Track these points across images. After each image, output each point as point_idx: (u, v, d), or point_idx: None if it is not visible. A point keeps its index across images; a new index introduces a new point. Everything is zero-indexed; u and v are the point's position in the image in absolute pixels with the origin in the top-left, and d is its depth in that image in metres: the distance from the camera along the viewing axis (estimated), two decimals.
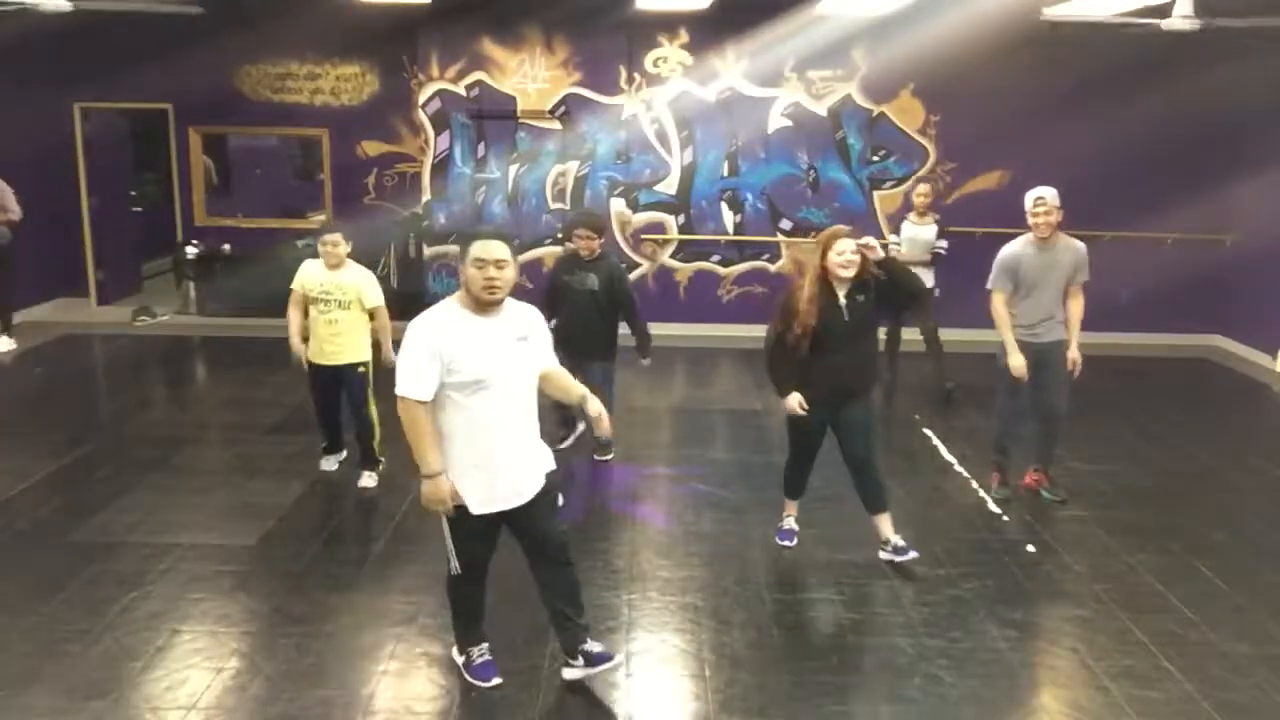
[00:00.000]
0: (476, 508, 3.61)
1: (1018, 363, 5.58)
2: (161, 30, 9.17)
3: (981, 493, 6.06)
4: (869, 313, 4.76)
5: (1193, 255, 10.01)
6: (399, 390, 3.47)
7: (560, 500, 3.86)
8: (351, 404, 6.00)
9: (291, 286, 5.92)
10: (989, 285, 5.70)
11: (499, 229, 3.71)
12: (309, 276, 5.84)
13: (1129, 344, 9.85)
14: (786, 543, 5.25)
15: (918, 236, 7.99)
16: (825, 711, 3.88)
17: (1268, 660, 4.25)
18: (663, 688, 4.03)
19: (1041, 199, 5.51)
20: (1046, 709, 3.91)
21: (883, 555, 5.02)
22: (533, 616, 4.20)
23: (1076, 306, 5.71)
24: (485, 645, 4.01)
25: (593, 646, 3.92)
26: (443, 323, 3.47)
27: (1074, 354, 5.69)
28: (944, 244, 7.93)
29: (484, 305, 3.46)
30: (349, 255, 5.80)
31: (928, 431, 7.29)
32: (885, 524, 5.04)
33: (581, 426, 6.66)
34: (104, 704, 3.77)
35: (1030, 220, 5.56)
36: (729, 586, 4.83)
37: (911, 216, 8.10)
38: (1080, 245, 5.64)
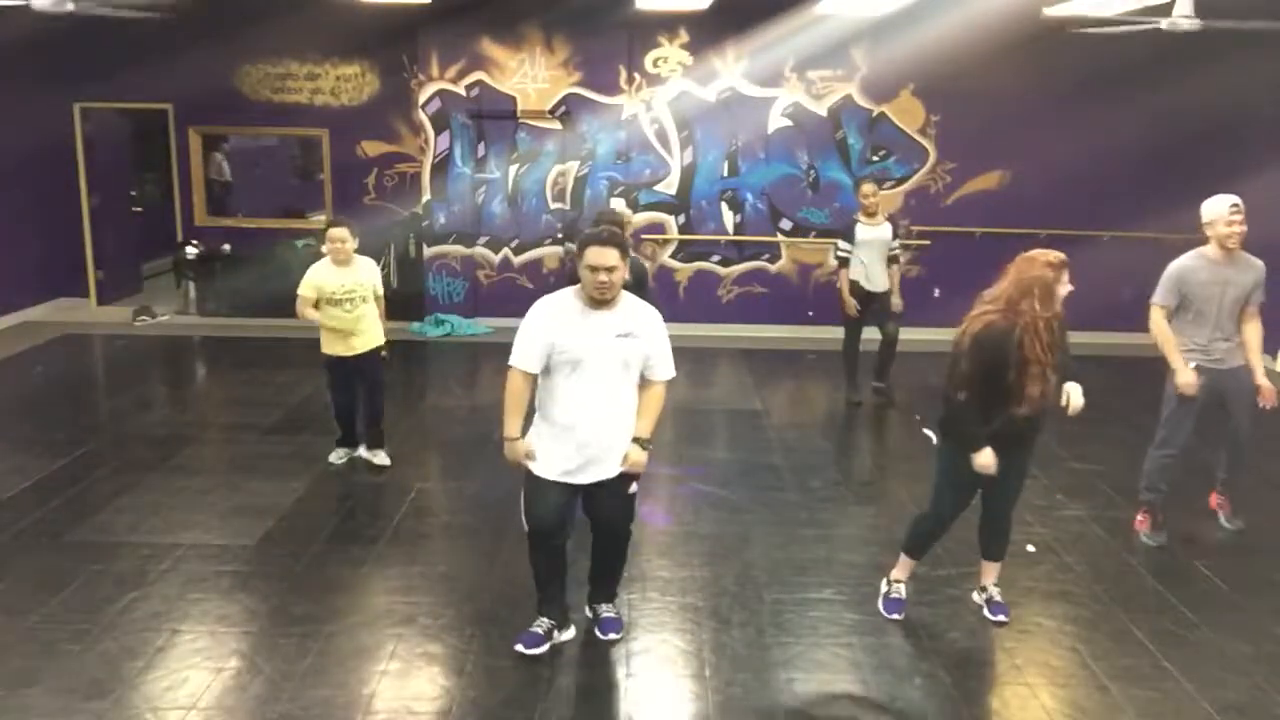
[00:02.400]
0: (547, 473, 3.95)
1: (1188, 378, 5.05)
2: (161, 30, 9.16)
3: None
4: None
5: None
6: (510, 361, 3.91)
7: (634, 488, 4.09)
8: (368, 384, 6.15)
9: (301, 293, 5.87)
10: (1153, 299, 5.16)
11: (613, 233, 3.92)
12: (326, 280, 5.87)
13: (1129, 343, 9.81)
14: (895, 615, 4.54)
15: (874, 239, 7.55)
16: (825, 712, 3.88)
17: (1268, 660, 4.25)
18: (663, 688, 4.04)
19: (1238, 205, 4.92)
20: (1046, 709, 3.91)
21: (975, 598, 4.68)
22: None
23: (1255, 330, 5.18)
24: (544, 621, 4.18)
25: (605, 610, 4.31)
26: (556, 310, 3.89)
27: (1264, 382, 5.13)
28: (897, 243, 7.65)
29: (595, 302, 3.84)
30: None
31: (928, 432, 7.27)
32: (993, 572, 4.63)
33: None
34: (104, 704, 3.77)
35: (1220, 230, 5.00)
36: (729, 586, 4.83)
37: (861, 218, 7.58)
38: (1260, 264, 5.12)
